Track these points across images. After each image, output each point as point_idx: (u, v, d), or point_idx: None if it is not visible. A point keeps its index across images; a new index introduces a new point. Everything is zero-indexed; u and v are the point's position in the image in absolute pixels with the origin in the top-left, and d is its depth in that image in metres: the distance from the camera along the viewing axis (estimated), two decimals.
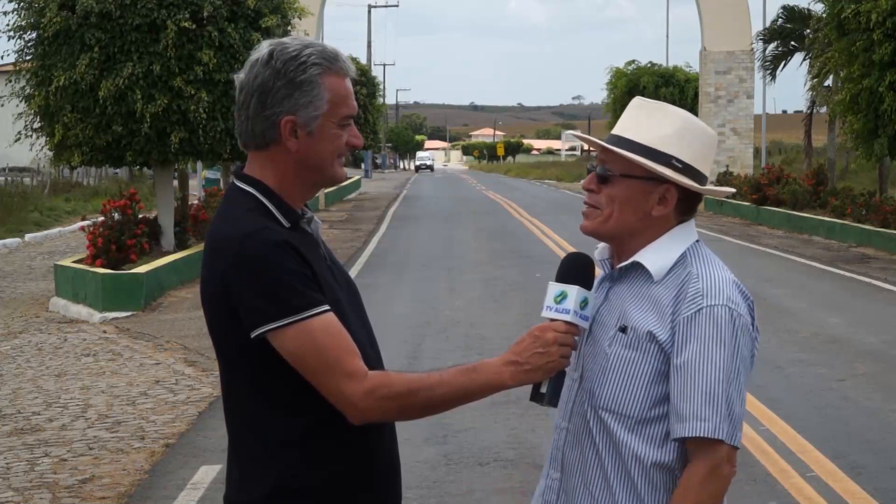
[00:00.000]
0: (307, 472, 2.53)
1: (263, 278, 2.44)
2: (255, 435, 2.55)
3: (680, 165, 2.64)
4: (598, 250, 2.81)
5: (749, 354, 2.60)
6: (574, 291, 2.54)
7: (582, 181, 2.74)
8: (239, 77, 2.60)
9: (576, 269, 2.59)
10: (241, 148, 2.64)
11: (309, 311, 2.44)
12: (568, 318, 2.53)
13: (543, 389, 2.56)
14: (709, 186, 2.71)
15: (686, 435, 2.51)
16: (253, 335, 2.46)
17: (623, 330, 2.62)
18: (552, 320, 2.53)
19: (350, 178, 53.15)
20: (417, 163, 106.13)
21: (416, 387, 2.47)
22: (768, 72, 35.26)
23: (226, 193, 2.65)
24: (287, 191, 2.59)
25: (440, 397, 2.49)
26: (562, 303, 2.54)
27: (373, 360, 2.62)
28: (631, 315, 2.62)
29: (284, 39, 2.61)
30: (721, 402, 2.50)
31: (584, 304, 2.55)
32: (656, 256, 2.65)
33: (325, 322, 2.45)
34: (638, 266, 2.67)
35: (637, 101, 2.74)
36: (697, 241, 2.70)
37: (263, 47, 2.59)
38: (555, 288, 2.56)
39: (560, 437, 2.72)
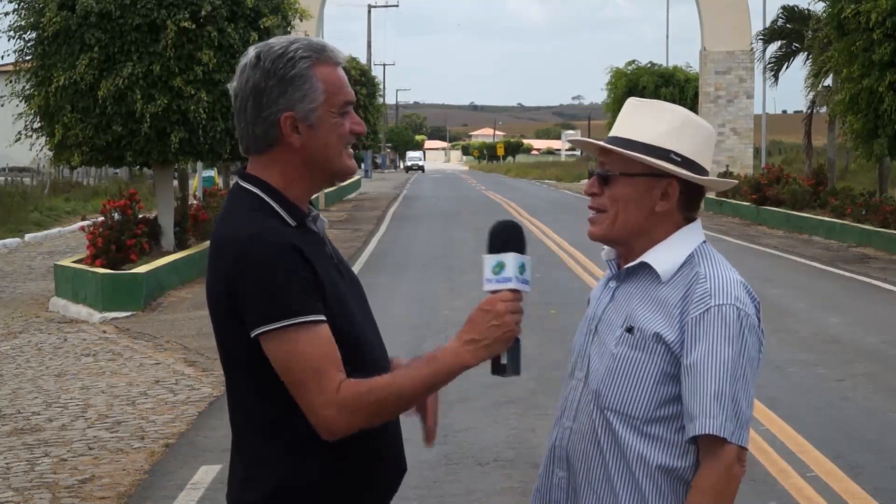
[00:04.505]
0: (311, 471, 2.53)
1: (265, 280, 2.44)
2: (258, 435, 2.56)
3: (678, 159, 2.65)
4: (605, 251, 2.81)
5: (756, 354, 2.61)
6: (510, 259, 2.53)
7: (584, 181, 2.75)
8: (232, 85, 2.60)
9: (507, 237, 2.57)
10: (244, 154, 2.63)
11: (302, 317, 2.43)
12: (511, 285, 2.52)
13: (504, 361, 2.55)
14: (709, 177, 2.72)
15: (696, 433, 2.52)
16: (252, 335, 2.47)
17: (630, 330, 2.63)
18: (495, 292, 2.52)
19: (350, 178, 53.14)
20: (408, 163, 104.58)
21: (385, 394, 2.46)
22: (771, 73, 35.22)
23: (230, 193, 2.64)
24: (292, 189, 2.58)
25: (409, 396, 2.49)
26: (501, 273, 2.53)
27: (380, 358, 2.63)
28: (638, 316, 2.63)
29: (270, 40, 2.61)
30: (727, 400, 2.51)
31: (522, 269, 2.54)
32: (664, 257, 2.65)
33: (314, 332, 2.45)
34: (645, 266, 2.67)
35: (632, 101, 2.75)
36: (704, 241, 2.70)
37: (250, 51, 2.59)
38: (491, 260, 2.55)
39: (564, 437, 2.72)
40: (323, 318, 2.46)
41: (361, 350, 2.54)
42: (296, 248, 2.47)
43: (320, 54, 2.56)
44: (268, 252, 2.45)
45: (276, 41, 2.58)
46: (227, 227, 2.54)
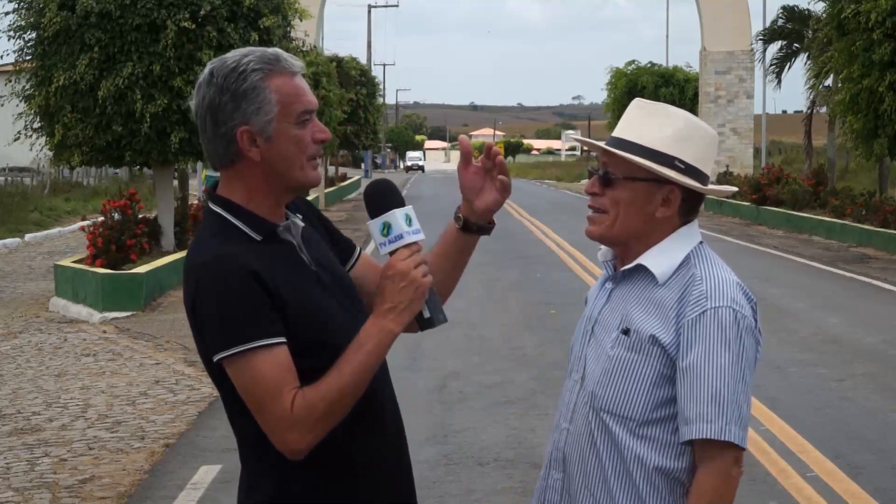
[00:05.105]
0: (303, 478, 2.54)
1: (218, 308, 2.45)
2: (250, 448, 2.58)
3: (683, 166, 2.63)
4: (602, 252, 2.81)
5: (754, 355, 2.60)
6: (394, 217, 2.53)
7: (584, 181, 2.74)
8: (191, 104, 2.60)
9: (382, 198, 2.56)
10: (214, 170, 2.64)
11: (255, 342, 2.43)
12: (404, 242, 2.52)
13: (427, 314, 2.54)
14: (711, 186, 2.71)
15: (693, 437, 2.51)
16: (214, 361, 2.48)
17: (626, 332, 2.62)
18: (392, 253, 2.52)
19: (350, 178, 53.13)
20: (409, 163, 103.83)
21: (334, 396, 2.45)
22: (774, 74, 35.23)
23: (202, 216, 2.65)
24: (256, 203, 2.56)
25: (353, 388, 2.47)
26: (390, 233, 2.52)
27: None
28: (634, 318, 2.62)
29: (225, 55, 2.59)
30: (727, 404, 2.50)
31: (408, 220, 2.54)
32: (660, 259, 2.64)
33: (269, 355, 2.43)
34: (642, 268, 2.66)
35: (637, 103, 2.73)
36: (701, 242, 2.69)
37: (206, 68, 2.58)
38: (376, 224, 2.54)
39: (561, 438, 2.72)
40: (280, 339, 2.45)
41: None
42: (248, 270, 2.45)
43: (273, 65, 2.54)
44: (217, 280, 2.45)
45: (230, 55, 2.57)
46: (191, 253, 2.56)
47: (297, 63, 2.58)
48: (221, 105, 2.52)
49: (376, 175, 77.26)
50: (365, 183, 57.53)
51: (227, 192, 2.59)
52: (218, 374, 2.51)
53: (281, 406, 2.42)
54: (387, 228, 2.52)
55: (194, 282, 2.49)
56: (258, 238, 2.54)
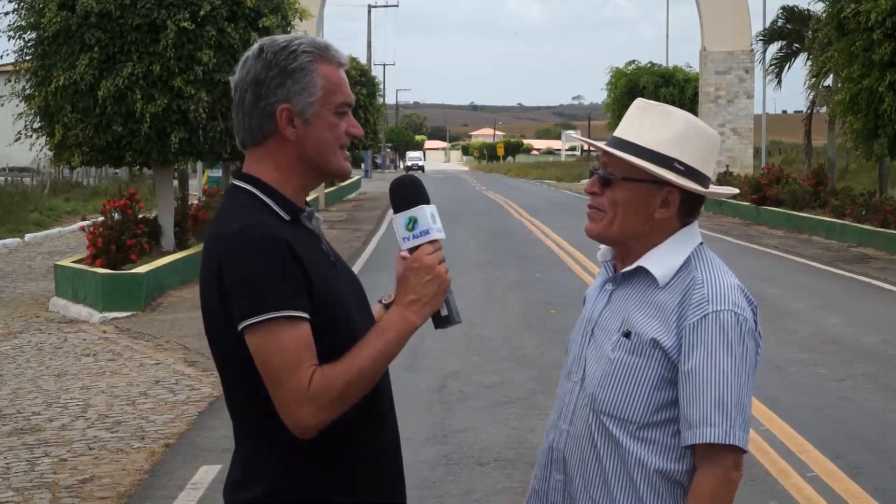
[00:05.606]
0: (302, 472, 2.53)
1: (248, 274, 2.44)
2: (249, 437, 2.57)
3: (682, 168, 2.63)
4: (601, 251, 2.80)
5: (755, 358, 2.60)
6: (420, 212, 2.54)
7: (584, 181, 2.74)
8: (233, 77, 2.62)
9: (408, 193, 2.58)
10: (240, 148, 2.64)
11: (282, 311, 2.42)
12: (429, 237, 2.53)
13: (444, 312, 2.55)
14: (712, 188, 2.70)
15: (697, 441, 2.51)
16: (238, 329, 2.47)
17: (627, 335, 2.62)
18: (414, 249, 2.53)
19: (350, 178, 53.12)
20: (408, 163, 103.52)
21: (350, 378, 2.45)
22: (774, 74, 35.22)
23: (225, 193, 2.65)
24: (286, 184, 2.58)
25: (370, 374, 2.48)
26: (415, 228, 2.53)
27: None
28: (635, 320, 2.62)
29: (275, 35, 2.63)
30: (731, 408, 2.50)
31: (433, 218, 2.55)
32: (661, 261, 2.64)
33: (294, 327, 2.43)
34: (642, 271, 2.66)
35: (639, 103, 2.73)
36: (701, 243, 2.69)
37: (255, 44, 2.62)
38: (401, 219, 2.54)
39: (560, 439, 2.71)
40: (305, 315, 2.45)
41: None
42: (284, 241, 2.46)
43: (323, 52, 2.58)
44: (252, 246, 2.45)
45: (282, 36, 2.61)
46: (217, 225, 2.55)
47: (344, 56, 2.62)
48: (267, 80, 2.54)
49: (376, 175, 77.27)
50: (365, 183, 57.45)
51: (255, 171, 2.60)
52: (232, 346, 2.49)
53: (298, 381, 2.42)
54: (412, 223, 2.53)
55: (223, 249, 2.47)
56: (286, 218, 2.56)
